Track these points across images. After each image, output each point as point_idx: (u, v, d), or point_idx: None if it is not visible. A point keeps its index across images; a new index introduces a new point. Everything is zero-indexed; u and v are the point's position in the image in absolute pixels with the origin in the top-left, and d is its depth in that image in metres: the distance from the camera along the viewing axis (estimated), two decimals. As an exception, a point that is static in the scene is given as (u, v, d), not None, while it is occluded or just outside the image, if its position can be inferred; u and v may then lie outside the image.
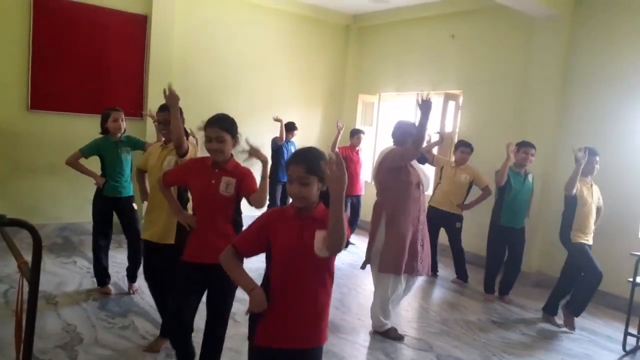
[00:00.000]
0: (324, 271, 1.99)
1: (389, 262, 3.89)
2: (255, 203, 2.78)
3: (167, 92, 3.07)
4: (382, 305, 4.01)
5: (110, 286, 4.50)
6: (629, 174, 5.13)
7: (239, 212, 2.89)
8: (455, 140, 6.45)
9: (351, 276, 5.63)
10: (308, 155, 1.96)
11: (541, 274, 5.92)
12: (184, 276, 2.83)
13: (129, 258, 4.50)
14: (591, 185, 4.60)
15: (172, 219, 3.18)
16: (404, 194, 3.91)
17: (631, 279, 4.12)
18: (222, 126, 2.73)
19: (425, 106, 3.63)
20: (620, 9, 5.37)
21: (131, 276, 4.51)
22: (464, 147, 5.71)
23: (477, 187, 5.70)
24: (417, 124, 3.82)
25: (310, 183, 1.93)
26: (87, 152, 4.38)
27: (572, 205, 4.53)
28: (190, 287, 2.81)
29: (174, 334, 2.90)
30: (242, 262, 2.10)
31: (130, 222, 4.47)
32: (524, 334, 4.42)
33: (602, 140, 5.16)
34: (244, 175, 2.85)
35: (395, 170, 3.92)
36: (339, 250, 1.85)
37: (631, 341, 4.22)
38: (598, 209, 4.67)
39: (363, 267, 4.14)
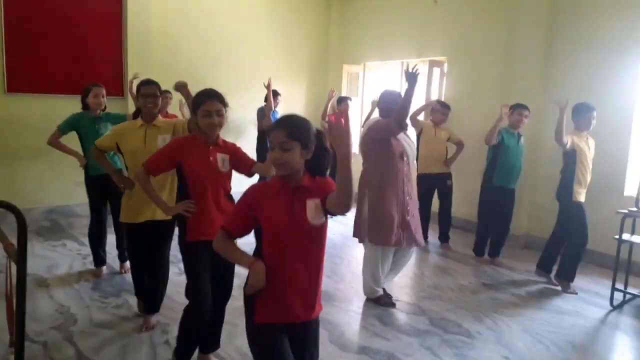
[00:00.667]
0: (317, 241, 1.97)
1: (377, 234, 3.91)
2: (262, 171, 2.83)
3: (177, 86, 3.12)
4: (372, 273, 4.05)
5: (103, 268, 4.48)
6: (615, 133, 5.16)
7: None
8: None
9: (342, 246, 5.67)
10: (289, 120, 1.92)
11: (529, 236, 6.01)
12: (197, 257, 2.72)
13: (119, 238, 4.47)
14: (587, 139, 4.63)
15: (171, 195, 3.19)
16: (387, 166, 3.90)
17: (617, 237, 4.20)
18: (221, 100, 2.67)
19: (412, 77, 3.58)
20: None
21: (122, 256, 4.50)
22: (443, 109, 5.84)
23: (452, 143, 5.87)
24: (402, 95, 3.77)
25: (292, 148, 1.87)
26: (64, 127, 4.28)
27: (571, 161, 4.55)
28: (204, 267, 2.73)
29: (200, 318, 2.72)
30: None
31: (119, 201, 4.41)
32: (514, 294, 4.51)
33: (588, 101, 5.16)
34: (235, 150, 2.81)
35: (377, 142, 3.91)
36: (347, 210, 1.83)
37: (618, 296, 4.32)
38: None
39: (355, 235, 4.16)
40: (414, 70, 3.58)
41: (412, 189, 4.05)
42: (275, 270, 1.91)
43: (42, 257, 4.79)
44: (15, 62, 5.80)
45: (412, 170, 4.07)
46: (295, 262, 1.93)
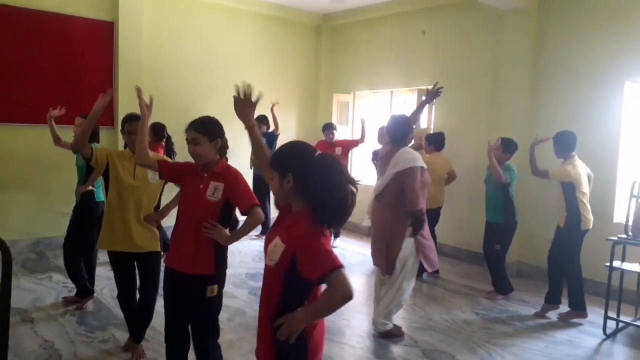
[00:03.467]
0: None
1: (431, 261, 4.00)
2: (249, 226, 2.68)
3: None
4: (398, 305, 4.03)
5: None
6: (602, 160, 5.21)
7: (227, 219, 2.72)
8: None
9: (334, 276, 5.60)
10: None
11: (521, 264, 6.00)
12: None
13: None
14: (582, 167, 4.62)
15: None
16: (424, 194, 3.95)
17: (608, 264, 4.20)
18: (196, 128, 2.63)
19: (432, 96, 3.79)
20: (584, 1, 5.49)
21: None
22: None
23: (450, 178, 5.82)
24: (416, 109, 4.02)
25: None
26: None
27: (571, 191, 4.47)
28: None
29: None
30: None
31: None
32: (508, 324, 4.46)
33: (575, 129, 5.24)
34: (232, 182, 2.67)
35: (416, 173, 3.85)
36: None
37: (611, 324, 4.29)
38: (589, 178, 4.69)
39: (390, 272, 3.96)
40: (437, 91, 3.77)
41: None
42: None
43: (27, 291, 4.68)
44: (2, 91, 5.78)
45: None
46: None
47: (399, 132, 3.94)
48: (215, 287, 2.66)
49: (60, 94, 6.13)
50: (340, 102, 8.62)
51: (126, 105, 6.35)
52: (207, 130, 2.64)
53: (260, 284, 1.92)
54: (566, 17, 5.63)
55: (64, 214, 4.47)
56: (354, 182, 1.75)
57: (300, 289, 1.74)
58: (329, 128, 7.01)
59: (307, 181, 1.71)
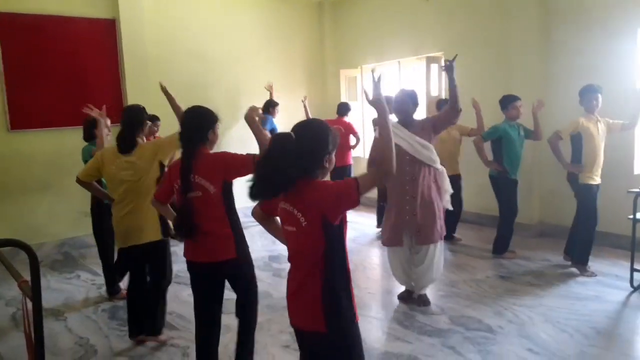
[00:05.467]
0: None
1: (385, 236, 4.13)
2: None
3: None
4: (393, 272, 4.22)
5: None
6: (620, 111, 5.08)
7: (232, 203, 2.74)
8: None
9: (355, 252, 5.63)
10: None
11: (543, 224, 5.95)
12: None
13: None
14: (597, 121, 4.57)
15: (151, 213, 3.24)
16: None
17: (631, 216, 4.14)
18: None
19: (449, 68, 3.71)
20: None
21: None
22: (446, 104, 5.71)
23: (465, 136, 5.70)
24: (448, 86, 3.97)
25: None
26: (86, 161, 4.34)
27: (578, 145, 4.54)
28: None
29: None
30: None
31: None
32: (533, 284, 4.45)
33: (590, 81, 5.12)
34: (225, 163, 2.71)
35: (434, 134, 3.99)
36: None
37: (638, 277, 4.25)
38: (621, 125, 4.71)
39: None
40: (451, 62, 3.72)
41: (419, 188, 3.92)
42: None
43: (58, 291, 4.80)
44: (16, 99, 5.86)
45: (421, 168, 3.93)
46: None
47: (400, 106, 4.01)
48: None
49: (70, 95, 6.20)
50: (348, 77, 8.55)
51: (134, 100, 6.38)
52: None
53: (282, 265, 1.97)
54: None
55: (85, 213, 4.56)
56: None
57: (338, 227, 1.90)
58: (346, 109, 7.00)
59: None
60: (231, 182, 2.66)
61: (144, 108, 3.50)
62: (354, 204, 1.86)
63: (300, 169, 1.85)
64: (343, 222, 1.92)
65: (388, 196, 4.12)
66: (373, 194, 7.75)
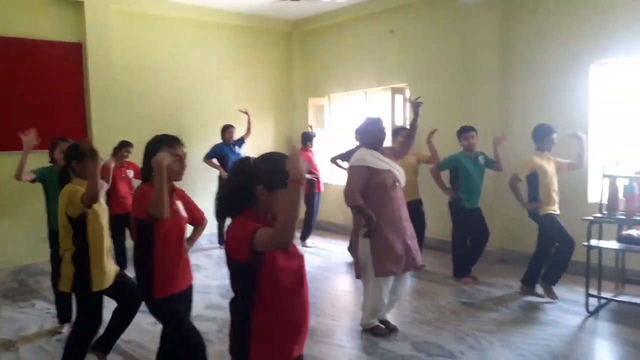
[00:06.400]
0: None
1: (382, 266, 3.81)
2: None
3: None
4: (375, 306, 3.98)
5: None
6: (573, 144, 5.31)
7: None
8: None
9: (322, 279, 5.63)
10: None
11: (504, 250, 6.09)
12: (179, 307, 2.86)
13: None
14: (548, 159, 4.79)
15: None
16: (382, 197, 3.85)
17: (586, 243, 4.29)
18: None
19: (416, 107, 4.04)
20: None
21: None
22: (404, 131, 5.87)
23: (423, 163, 5.84)
24: (410, 125, 4.24)
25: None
26: (37, 175, 4.28)
27: (533, 181, 4.76)
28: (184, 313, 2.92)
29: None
30: None
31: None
32: (493, 310, 4.53)
33: (546, 115, 5.36)
34: (187, 199, 2.98)
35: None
36: (284, 242, 1.77)
37: (593, 302, 4.39)
38: (568, 165, 4.89)
39: (358, 277, 4.04)
40: (415, 101, 4.08)
41: (406, 211, 4.02)
42: None
43: (11, 321, 4.60)
44: (-26, 122, 5.70)
45: (401, 193, 4.03)
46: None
47: (366, 135, 4.06)
48: None
49: (33, 119, 6.03)
50: (316, 106, 8.67)
51: (99, 125, 6.30)
52: None
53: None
54: (530, 6, 5.77)
55: (42, 239, 4.42)
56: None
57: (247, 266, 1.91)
58: (309, 139, 7.20)
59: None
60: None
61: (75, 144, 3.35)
62: (244, 258, 1.79)
63: (227, 201, 1.93)
64: (261, 263, 1.80)
65: (381, 225, 3.83)
66: (343, 220, 7.78)
